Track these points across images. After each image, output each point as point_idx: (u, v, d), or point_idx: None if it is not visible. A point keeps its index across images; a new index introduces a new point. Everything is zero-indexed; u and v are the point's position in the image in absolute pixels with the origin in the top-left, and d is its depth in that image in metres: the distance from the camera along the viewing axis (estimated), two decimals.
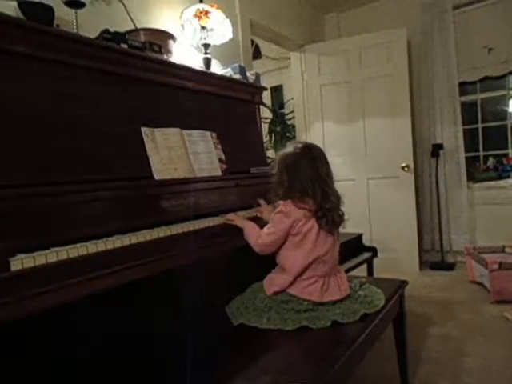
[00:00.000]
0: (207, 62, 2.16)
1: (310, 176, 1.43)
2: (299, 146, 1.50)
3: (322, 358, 1.16)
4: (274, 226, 1.45)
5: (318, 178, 1.44)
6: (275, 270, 1.52)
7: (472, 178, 3.85)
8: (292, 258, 1.43)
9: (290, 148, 1.51)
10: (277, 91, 5.31)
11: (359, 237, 2.76)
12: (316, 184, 1.43)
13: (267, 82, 4.66)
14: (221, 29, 2.18)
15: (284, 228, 1.42)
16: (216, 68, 2.34)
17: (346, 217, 1.49)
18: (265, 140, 4.25)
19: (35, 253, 0.94)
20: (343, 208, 1.49)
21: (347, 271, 2.18)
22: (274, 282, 1.47)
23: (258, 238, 1.48)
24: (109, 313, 1.25)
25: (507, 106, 3.83)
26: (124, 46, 1.54)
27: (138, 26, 1.98)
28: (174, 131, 1.61)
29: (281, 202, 1.46)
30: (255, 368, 1.14)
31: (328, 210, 1.42)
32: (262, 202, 1.74)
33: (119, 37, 1.55)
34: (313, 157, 1.47)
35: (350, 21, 4.27)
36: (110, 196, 1.23)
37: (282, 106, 5.17)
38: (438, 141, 3.77)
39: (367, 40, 3.72)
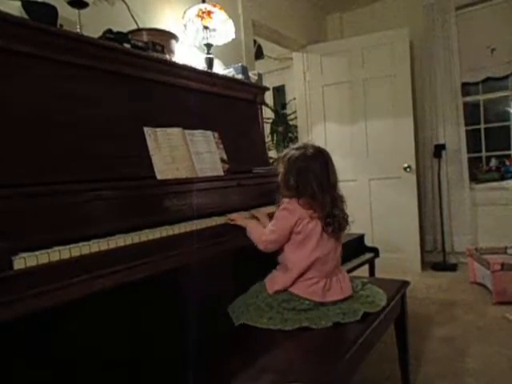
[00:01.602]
0: (209, 62, 2.16)
1: (320, 181, 1.42)
2: (310, 149, 1.47)
3: (323, 358, 1.16)
4: (278, 222, 1.45)
5: (328, 184, 1.44)
6: (277, 268, 1.53)
7: (474, 178, 3.84)
8: (295, 256, 1.43)
9: (299, 150, 1.48)
10: (279, 91, 5.31)
11: (361, 237, 2.76)
12: (326, 190, 1.42)
13: (269, 82, 4.67)
14: (223, 29, 2.18)
15: (288, 225, 1.42)
16: (218, 68, 2.34)
17: (350, 219, 1.49)
18: (267, 140, 4.25)
19: (38, 252, 0.95)
20: (346, 210, 1.49)
21: (349, 271, 2.17)
22: (275, 280, 1.47)
23: (261, 235, 1.47)
24: (111, 312, 1.25)
25: (510, 106, 3.83)
26: (127, 45, 1.55)
27: (141, 26, 1.98)
28: (176, 131, 1.62)
29: (285, 200, 1.45)
30: (256, 368, 1.14)
31: (335, 217, 1.42)
32: (254, 211, 1.72)
33: (122, 37, 1.55)
34: (324, 161, 1.46)
35: (353, 21, 4.26)
36: (112, 195, 1.23)
37: (284, 106, 5.17)
38: (441, 141, 3.76)
39: (369, 40, 3.72)
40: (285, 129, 4.81)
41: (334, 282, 1.45)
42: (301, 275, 1.41)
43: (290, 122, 4.80)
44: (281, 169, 1.51)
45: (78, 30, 1.56)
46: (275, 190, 1.55)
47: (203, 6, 2.12)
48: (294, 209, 1.42)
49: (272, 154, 4.41)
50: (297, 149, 1.50)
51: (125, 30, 1.68)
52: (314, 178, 1.42)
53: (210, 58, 2.17)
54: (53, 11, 1.36)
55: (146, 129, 1.50)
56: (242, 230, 1.53)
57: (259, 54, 4.88)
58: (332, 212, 1.42)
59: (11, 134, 1.13)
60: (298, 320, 1.34)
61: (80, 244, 1.03)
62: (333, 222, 1.42)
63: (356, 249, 2.65)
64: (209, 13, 2.10)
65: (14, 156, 1.12)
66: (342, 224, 1.45)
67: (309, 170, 1.43)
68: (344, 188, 1.52)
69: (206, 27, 2.12)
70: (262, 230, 1.50)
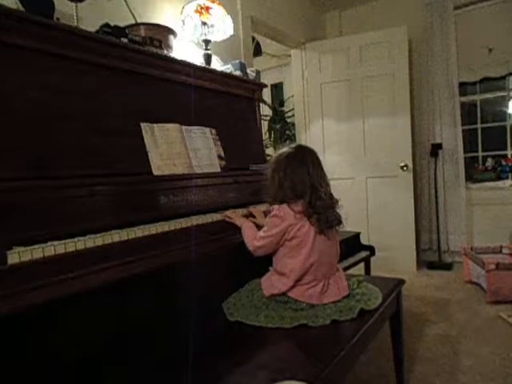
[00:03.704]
0: (207, 58, 2.15)
1: (300, 176, 1.44)
2: (291, 147, 1.52)
3: (318, 355, 1.16)
4: (268, 229, 1.45)
5: (310, 179, 1.44)
6: (273, 271, 1.51)
7: (470, 178, 3.86)
8: (290, 263, 1.42)
9: (283, 149, 1.53)
10: (277, 88, 5.30)
11: (357, 235, 2.76)
12: (307, 184, 1.43)
13: (267, 79, 4.66)
14: (222, 25, 2.17)
15: (278, 232, 1.42)
16: (216, 64, 2.33)
17: (344, 216, 1.49)
18: (264, 137, 4.25)
19: (33, 246, 0.94)
20: (342, 208, 1.49)
21: (345, 270, 2.18)
22: (272, 284, 1.46)
23: (253, 239, 1.48)
24: (105, 307, 1.25)
25: (507, 107, 3.84)
26: (124, 40, 1.54)
27: (139, 21, 1.97)
28: (173, 127, 1.61)
29: (276, 207, 1.45)
30: (252, 364, 1.14)
31: (318, 208, 1.41)
32: (252, 208, 1.73)
33: (119, 31, 1.54)
34: (302, 158, 1.48)
35: (352, 19, 4.26)
36: (108, 191, 1.22)
37: (282, 103, 5.16)
38: (438, 140, 3.77)
39: (368, 38, 3.72)
40: (282, 126, 4.80)
41: (332, 283, 1.45)
42: (297, 280, 1.41)
43: (288, 120, 4.80)
44: (268, 171, 1.52)
45: (75, 24, 1.54)
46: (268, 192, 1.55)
47: (202, 2, 2.11)
48: (284, 215, 1.41)
49: (269, 151, 4.41)
50: (282, 149, 1.53)
51: (122, 25, 1.67)
52: (295, 172, 1.44)
53: (208, 54, 2.15)
54: (49, 4, 1.35)
55: (142, 124, 1.50)
56: (237, 227, 1.54)
57: (258, 50, 4.87)
58: (314, 203, 1.41)
59: (5, 128, 1.12)
60: (296, 318, 1.34)
61: (75, 239, 1.03)
62: (315, 213, 1.41)
63: (352, 247, 2.66)
64: (207, 8, 2.09)
65: (11, 149, 1.11)
66: (330, 219, 1.43)
67: (289, 165, 1.45)
68: (341, 186, 1.53)
69: (204, 23, 2.10)
70: (255, 233, 1.50)
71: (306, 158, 1.48)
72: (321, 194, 1.43)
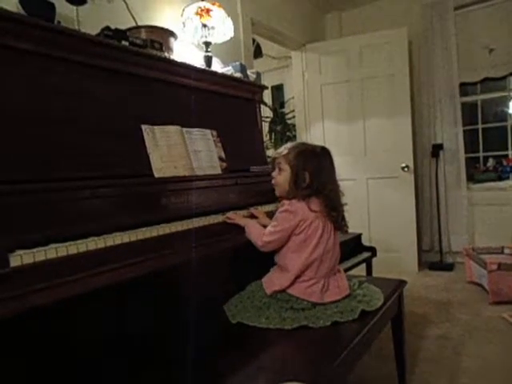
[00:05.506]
0: (208, 60, 2.15)
1: (330, 178, 1.47)
2: (317, 147, 1.51)
3: (320, 357, 1.16)
4: (279, 224, 1.44)
5: (335, 180, 1.49)
6: (274, 269, 1.52)
7: (471, 178, 3.85)
8: (294, 257, 1.42)
9: (306, 146, 1.51)
10: (277, 90, 5.31)
11: (358, 236, 2.76)
12: (335, 185, 1.47)
13: (268, 80, 4.66)
14: (222, 27, 2.18)
15: (289, 226, 1.41)
16: (217, 66, 2.34)
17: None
18: (265, 139, 4.26)
19: (35, 249, 0.94)
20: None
21: (346, 271, 2.18)
22: (273, 281, 1.46)
23: (261, 235, 1.46)
24: (107, 310, 1.25)
25: (507, 107, 3.84)
26: (125, 43, 1.54)
27: (139, 23, 1.97)
28: (174, 129, 1.61)
29: (286, 202, 1.45)
30: (253, 366, 1.14)
31: (338, 208, 1.46)
32: (253, 210, 1.72)
33: (120, 34, 1.54)
34: (331, 159, 1.51)
35: (352, 20, 4.26)
36: (109, 193, 1.23)
37: (282, 105, 5.17)
38: (438, 141, 3.77)
39: (368, 39, 3.72)
40: (283, 128, 4.81)
41: (332, 282, 1.45)
42: (298, 276, 1.41)
43: (289, 121, 4.80)
44: (285, 165, 1.48)
45: (76, 27, 1.55)
46: (272, 190, 1.55)
47: (202, 4, 2.11)
48: (295, 210, 1.41)
49: (270, 152, 4.41)
50: (298, 146, 1.51)
51: (123, 27, 1.67)
52: (326, 173, 1.46)
53: (208, 56, 2.16)
54: (50, 8, 1.36)
55: (143, 126, 1.50)
56: (239, 228, 1.53)
57: (258, 52, 4.88)
58: (338, 206, 1.46)
59: (7, 130, 1.12)
60: (297, 319, 1.34)
61: (77, 242, 1.03)
62: (338, 215, 1.46)
63: (353, 248, 2.66)
64: (208, 11, 2.10)
65: (12, 152, 1.11)
66: (345, 219, 1.50)
67: (321, 166, 1.46)
68: (341, 187, 1.53)
69: (204, 25, 2.11)
70: (261, 229, 1.49)
71: (332, 161, 1.51)
72: (340, 195, 1.49)
